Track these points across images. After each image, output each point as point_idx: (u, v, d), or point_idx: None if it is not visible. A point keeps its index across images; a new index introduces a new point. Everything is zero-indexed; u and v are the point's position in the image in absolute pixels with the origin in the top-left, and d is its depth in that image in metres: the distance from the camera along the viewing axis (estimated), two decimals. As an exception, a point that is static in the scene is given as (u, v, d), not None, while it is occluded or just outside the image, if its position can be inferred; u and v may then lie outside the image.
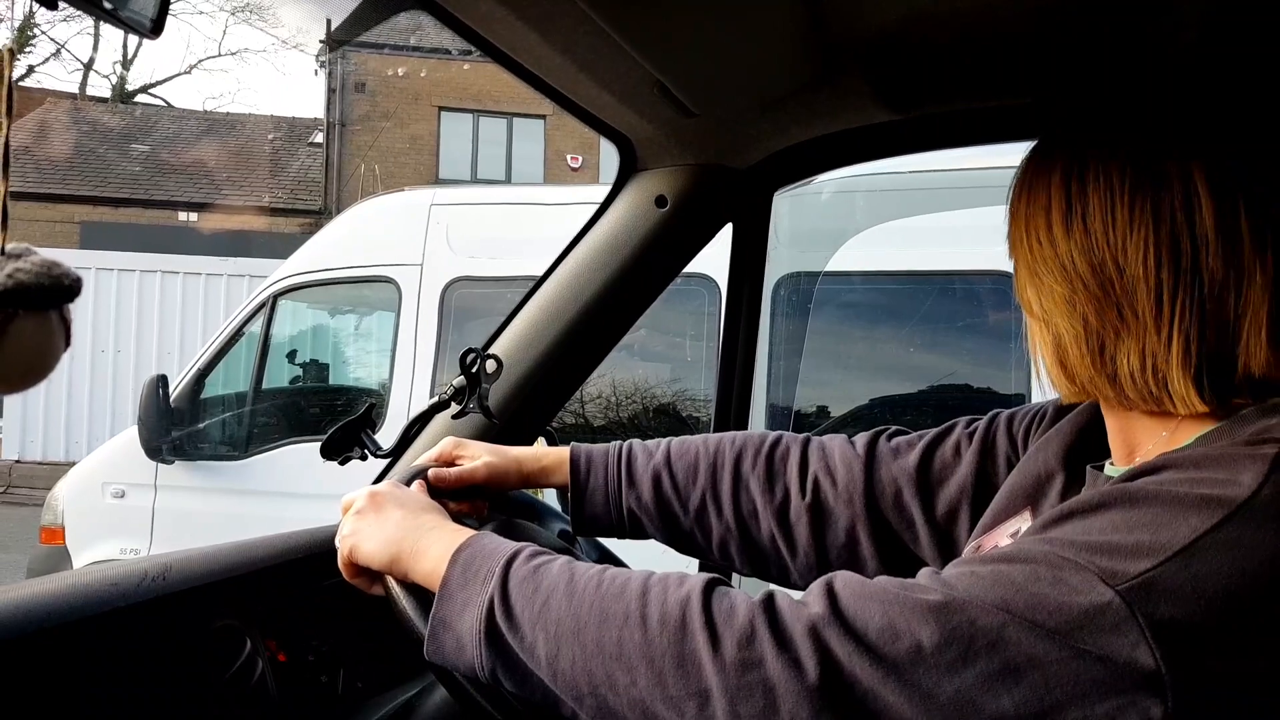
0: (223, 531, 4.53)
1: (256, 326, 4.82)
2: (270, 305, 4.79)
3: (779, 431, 1.12)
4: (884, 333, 4.15)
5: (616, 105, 1.26)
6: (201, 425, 4.79)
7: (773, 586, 0.71)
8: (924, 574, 0.68)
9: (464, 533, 0.83)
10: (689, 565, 1.16)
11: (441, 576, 0.79)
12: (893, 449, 1.05)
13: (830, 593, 0.67)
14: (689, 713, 0.66)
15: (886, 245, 3.92)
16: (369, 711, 1.13)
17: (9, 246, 0.58)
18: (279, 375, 5.27)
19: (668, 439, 1.13)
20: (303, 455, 4.50)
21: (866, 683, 0.62)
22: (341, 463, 1.30)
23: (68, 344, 0.59)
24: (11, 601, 0.83)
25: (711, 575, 0.73)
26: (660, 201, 1.39)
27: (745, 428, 1.51)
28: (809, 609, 0.67)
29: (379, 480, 1.39)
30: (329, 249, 4.86)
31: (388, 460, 1.39)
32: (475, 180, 15.33)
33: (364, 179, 14.83)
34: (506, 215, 4.68)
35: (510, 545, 0.80)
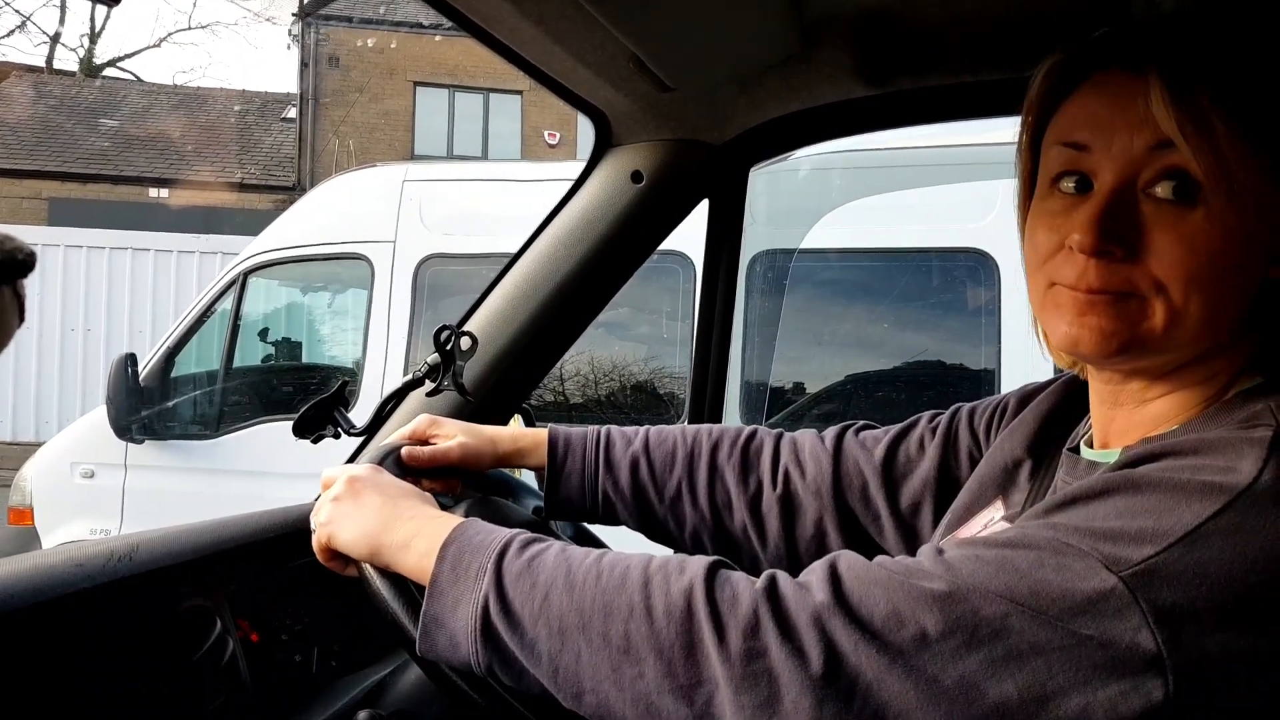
0: (195, 511, 4.46)
1: (227, 304, 4.77)
2: (241, 283, 4.73)
3: (754, 426, 1.14)
4: (858, 310, 4.17)
5: (592, 79, 1.24)
6: (172, 404, 4.73)
7: (775, 570, 0.70)
8: (925, 554, 0.68)
9: (448, 522, 0.81)
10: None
11: (430, 572, 0.77)
12: (860, 443, 1.07)
13: (834, 577, 0.67)
14: (697, 702, 0.66)
15: (861, 223, 3.93)
16: (343, 690, 1.12)
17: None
18: (251, 353, 5.22)
19: (645, 427, 1.13)
20: (275, 434, 4.46)
21: (871, 672, 0.62)
22: (314, 441, 1.29)
23: (21, 320, 0.57)
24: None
25: (714, 559, 0.72)
26: (636, 177, 1.38)
27: (722, 404, 1.51)
28: (813, 596, 0.66)
29: (352, 459, 1.38)
30: (300, 226, 4.80)
31: (362, 438, 1.38)
32: (451, 156, 15.20)
33: (338, 155, 14.67)
34: (481, 191, 4.63)
35: (499, 535, 0.78)
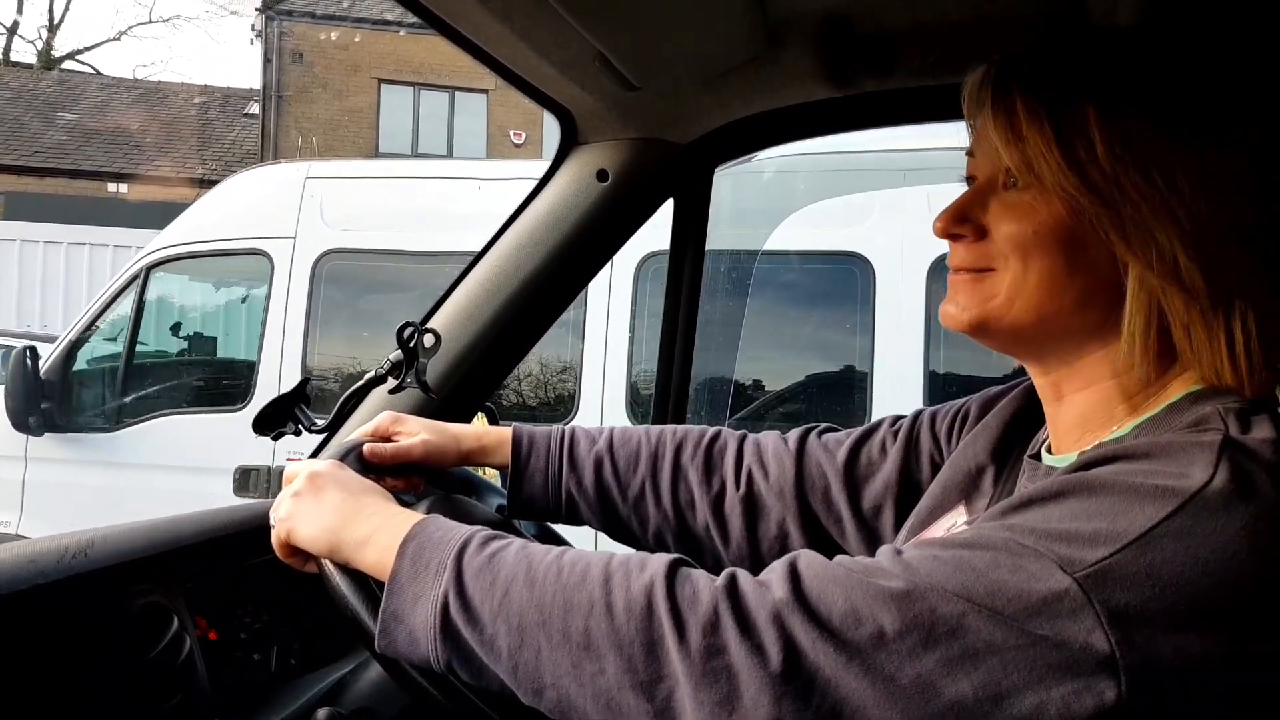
0: (95, 504, 4.45)
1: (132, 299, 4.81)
2: (143, 278, 4.78)
3: (718, 427, 1.14)
4: (813, 312, 4.23)
5: (558, 77, 1.24)
6: (72, 397, 4.79)
7: (735, 568, 0.70)
8: (884, 554, 0.68)
9: (408, 518, 0.81)
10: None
11: (390, 568, 0.77)
12: (822, 445, 1.08)
13: (794, 575, 0.67)
14: (657, 698, 0.66)
15: (819, 225, 4.00)
16: (303, 688, 1.11)
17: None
18: (157, 347, 5.28)
19: (610, 427, 1.13)
20: (174, 428, 4.58)
21: (828, 669, 0.63)
22: (275, 438, 1.28)
23: None
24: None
25: (674, 556, 0.72)
26: (601, 175, 1.38)
27: (685, 404, 1.51)
28: (772, 593, 0.66)
29: (314, 455, 1.37)
30: (204, 221, 4.87)
31: (323, 435, 1.37)
32: (416, 154, 15.08)
33: (300, 151, 14.52)
34: (380, 189, 4.71)
35: (459, 532, 0.78)
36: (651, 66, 1.21)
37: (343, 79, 15.36)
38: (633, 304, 4.08)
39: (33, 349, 4.54)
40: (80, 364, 4.81)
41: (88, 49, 28.81)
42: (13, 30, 20.83)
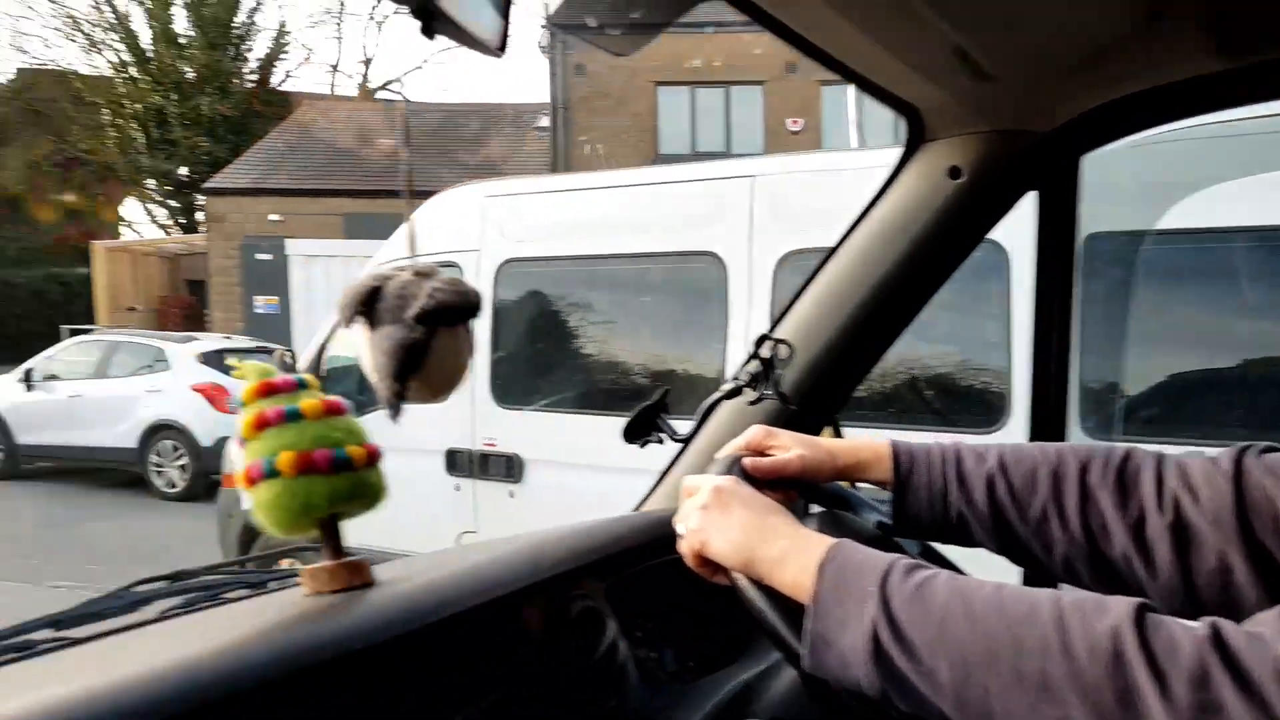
0: None
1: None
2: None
3: (1125, 445, 1.05)
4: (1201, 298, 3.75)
5: (907, 74, 1.21)
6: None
7: (1214, 618, 0.64)
8: None
9: (820, 540, 0.82)
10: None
11: (810, 590, 0.78)
12: (1267, 467, 0.94)
13: None
14: None
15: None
16: (707, 691, 1.13)
17: (418, 266, 0.62)
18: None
19: (997, 444, 1.08)
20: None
21: None
22: (641, 446, 1.34)
23: (471, 354, 0.63)
24: (419, 587, 0.90)
25: (1138, 601, 0.67)
26: (954, 173, 1.33)
27: (1065, 412, 1.41)
28: (1274, 648, 0.61)
29: (672, 464, 1.42)
30: (408, 240, 5.53)
31: (682, 445, 1.41)
32: (694, 153, 15.35)
33: (589, 160, 15.20)
34: (547, 202, 5.17)
35: (880, 558, 0.77)
36: (1014, 54, 1.15)
37: (621, 85, 15.91)
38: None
39: (291, 352, 5.58)
40: (330, 364, 5.64)
41: (396, 79, 31.73)
42: (335, 67, 23.36)
